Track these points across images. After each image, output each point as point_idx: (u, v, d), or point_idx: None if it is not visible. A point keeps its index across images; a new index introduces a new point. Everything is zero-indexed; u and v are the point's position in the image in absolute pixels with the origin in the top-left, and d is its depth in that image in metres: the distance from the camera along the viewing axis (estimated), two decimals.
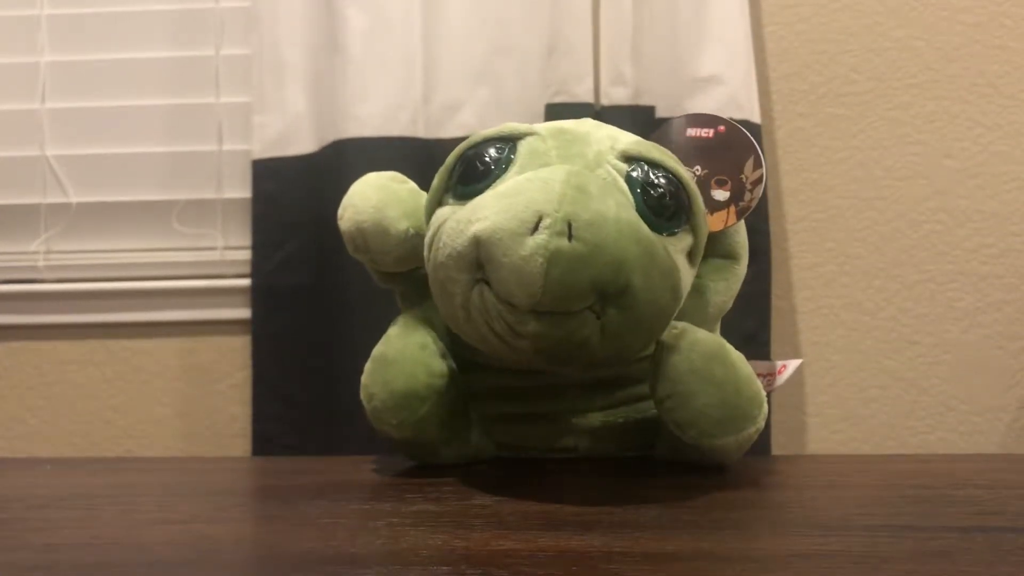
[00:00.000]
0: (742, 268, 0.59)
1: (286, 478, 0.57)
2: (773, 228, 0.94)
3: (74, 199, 1.04)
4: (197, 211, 1.03)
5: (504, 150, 0.50)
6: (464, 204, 0.48)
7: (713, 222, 0.56)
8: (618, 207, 0.46)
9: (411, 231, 0.55)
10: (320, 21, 0.96)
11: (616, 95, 0.92)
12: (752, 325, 0.90)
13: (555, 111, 0.92)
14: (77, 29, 1.05)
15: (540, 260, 0.43)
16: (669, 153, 0.52)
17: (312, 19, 0.96)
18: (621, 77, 0.92)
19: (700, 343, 0.49)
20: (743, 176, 0.57)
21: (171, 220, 1.03)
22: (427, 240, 0.51)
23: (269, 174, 0.96)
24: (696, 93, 0.90)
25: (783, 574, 0.34)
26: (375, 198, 0.56)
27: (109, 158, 1.04)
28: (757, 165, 0.57)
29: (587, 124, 0.53)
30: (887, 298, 0.97)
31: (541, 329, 0.45)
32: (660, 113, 0.92)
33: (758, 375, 0.54)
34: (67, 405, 1.03)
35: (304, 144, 0.96)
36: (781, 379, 0.61)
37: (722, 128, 0.58)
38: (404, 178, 0.59)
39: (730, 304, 0.59)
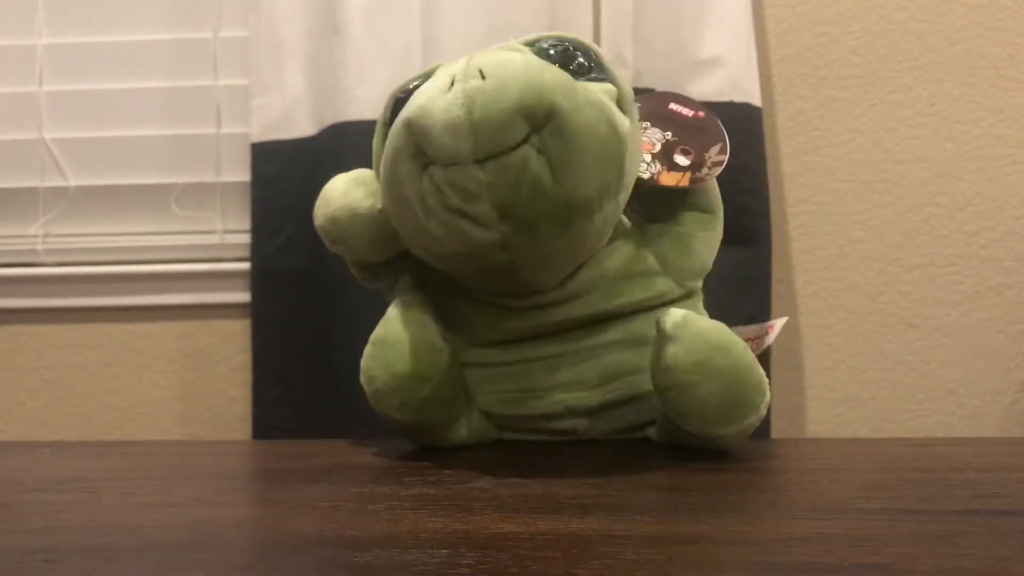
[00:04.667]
0: (720, 223, 0.61)
1: (286, 461, 0.57)
2: (773, 211, 0.94)
3: (72, 182, 1.04)
4: (196, 194, 1.03)
5: (425, 80, 0.52)
6: None
7: (667, 178, 0.58)
8: (525, 55, 0.49)
9: (377, 206, 0.57)
10: (319, 2, 0.95)
11: None
12: (752, 308, 0.90)
13: None
14: (74, 11, 1.04)
15: (460, 103, 0.45)
16: (568, 32, 0.55)
17: (311, 0, 0.95)
18: (621, 59, 0.92)
19: (703, 333, 0.49)
20: (707, 155, 0.60)
21: (170, 203, 1.03)
22: (381, 174, 0.53)
23: (268, 157, 0.96)
24: (697, 75, 0.89)
25: (783, 557, 0.34)
26: (342, 188, 0.59)
27: (107, 141, 1.04)
28: (722, 152, 0.60)
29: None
30: (887, 281, 0.97)
31: (489, 178, 0.46)
32: None
33: (748, 339, 0.55)
34: (66, 389, 1.03)
35: (303, 127, 0.96)
36: (769, 338, 0.64)
37: (701, 114, 0.62)
38: (372, 172, 0.60)
39: (711, 263, 0.61)
